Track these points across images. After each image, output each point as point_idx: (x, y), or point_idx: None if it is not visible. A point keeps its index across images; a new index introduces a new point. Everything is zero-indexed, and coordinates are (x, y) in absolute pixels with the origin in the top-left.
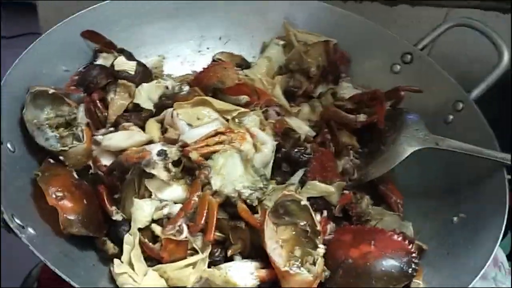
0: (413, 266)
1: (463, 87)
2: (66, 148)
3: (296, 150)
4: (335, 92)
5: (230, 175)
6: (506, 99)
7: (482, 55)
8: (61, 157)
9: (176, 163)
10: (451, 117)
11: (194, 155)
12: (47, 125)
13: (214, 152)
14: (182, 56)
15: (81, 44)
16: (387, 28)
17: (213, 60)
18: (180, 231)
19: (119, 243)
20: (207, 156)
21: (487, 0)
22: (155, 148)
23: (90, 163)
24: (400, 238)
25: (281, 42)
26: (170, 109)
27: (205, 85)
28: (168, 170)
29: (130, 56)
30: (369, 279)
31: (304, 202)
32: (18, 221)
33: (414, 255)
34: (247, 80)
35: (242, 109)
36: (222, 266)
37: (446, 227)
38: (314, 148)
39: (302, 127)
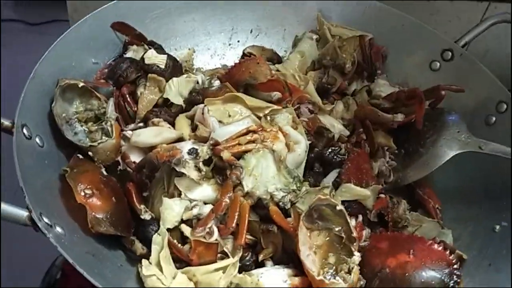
0: (454, 278)
1: (506, 87)
2: (95, 144)
3: (329, 150)
4: (370, 89)
5: (263, 176)
6: None
7: None
8: (90, 153)
9: (206, 162)
10: (493, 118)
11: (225, 155)
12: (76, 119)
13: (246, 151)
14: (212, 49)
15: (111, 35)
16: (426, 24)
17: (244, 54)
18: (210, 233)
19: (147, 243)
20: (239, 156)
21: None
22: (186, 146)
23: (119, 159)
24: (441, 248)
25: (315, 36)
26: (201, 105)
27: (237, 81)
28: (198, 169)
29: (160, 49)
30: None
31: (339, 207)
32: (46, 220)
33: (456, 266)
34: (280, 76)
35: (275, 106)
36: (254, 272)
37: (488, 236)
38: (348, 149)
39: (335, 126)
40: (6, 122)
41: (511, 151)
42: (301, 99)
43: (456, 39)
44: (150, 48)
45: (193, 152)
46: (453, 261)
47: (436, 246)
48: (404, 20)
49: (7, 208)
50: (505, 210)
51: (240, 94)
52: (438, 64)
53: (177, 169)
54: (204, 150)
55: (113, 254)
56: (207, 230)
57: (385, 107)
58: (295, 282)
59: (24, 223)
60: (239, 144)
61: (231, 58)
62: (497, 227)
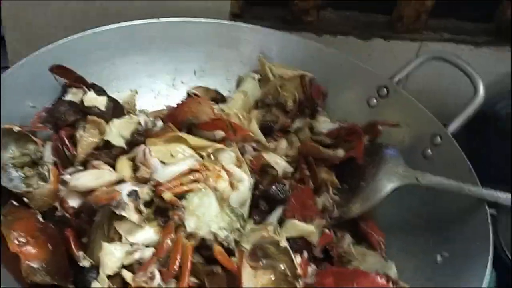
0: None
1: (440, 120)
2: (30, 189)
3: (274, 187)
4: (312, 126)
5: (205, 215)
6: (481, 132)
7: (457, 88)
8: (25, 199)
9: (148, 204)
10: (429, 151)
11: (167, 195)
12: (11, 165)
13: (188, 191)
14: (156, 91)
15: (50, 78)
16: (362, 62)
17: (188, 95)
18: (152, 278)
19: None
20: (181, 196)
21: (460, 34)
22: (125, 188)
23: (57, 204)
24: (384, 280)
25: (257, 76)
26: (142, 146)
27: (180, 121)
28: (139, 211)
29: (101, 91)
30: None
31: (283, 243)
32: None
33: None
34: (223, 115)
35: (218, 145)
36: None
37: (431, 267)
38: (292, 185)
39: (279, 163)
40: None
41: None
42: (245, 138)
43: (390, 76)
44: (89, 90)
45: (133, 194)
46: None
47: (379, 279)
48: (342, 59)
49: None
50: (445, 241)
51: (182, 134)
52: (375, 100)
53: (117, 212)
54: (144, 192)
55: None
56: (149, 274)
57: (326, 143)
58: None
59: None
60: (181, 184)
61: (176, 99)
62: (438, 257)
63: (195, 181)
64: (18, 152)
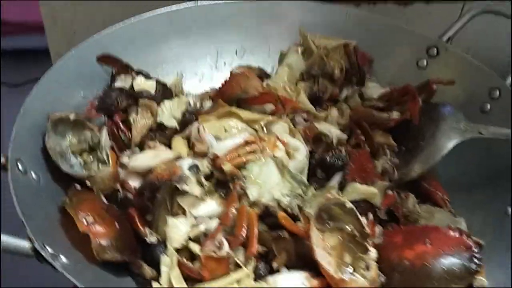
0: (475, 261)
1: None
2: (92, 173)
3: (330, 154)
4: (362, 93)
5: (267, 183)
6: None
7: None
8: (88, 183)
9: (207, 178)
10: (488, 105)
11: (227, 166)
12: (70, 152)
13: (247, 161)
14: (200, 73)
15: (97, 68)
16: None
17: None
18: (220, 247)
19: (155, 265)
20: (240, 167)
21: None
22: (186, 162)
23: (118, 186)
24: (457, 234)
25: (300, 49)
26: (196, 124)
27: (229, 97)
28: (201, 184)
29: (149, 77)
30: (429, 280)
31: (349, 204)
32: (50, 250)
33: (475, 250)
34: (271, 89)
35: (270, 117)
36: (270, 278)
37: (500, 220)
38: (349, 151)
39: (332, 131)
40: (1, 159)
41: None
42: (295, 109)
43: (439, 36)
44: (138, 76)
45: (193, 168)
46: (472, 245)
47: (451, 232)
48: (385, 24)
49: (8, 240)
50: None
51: (234, 109)
52: (425, 61)
53: (179, 186)
54: (204, 165)
55: (121, 281)
56: (216, 243)
57: (379, 107)
58: (314, 284)
59: (27, 253)
60: (239, 155)
61: (220, 80)
62: (509, 209)
63: (252, 152)
64: (75, 139)
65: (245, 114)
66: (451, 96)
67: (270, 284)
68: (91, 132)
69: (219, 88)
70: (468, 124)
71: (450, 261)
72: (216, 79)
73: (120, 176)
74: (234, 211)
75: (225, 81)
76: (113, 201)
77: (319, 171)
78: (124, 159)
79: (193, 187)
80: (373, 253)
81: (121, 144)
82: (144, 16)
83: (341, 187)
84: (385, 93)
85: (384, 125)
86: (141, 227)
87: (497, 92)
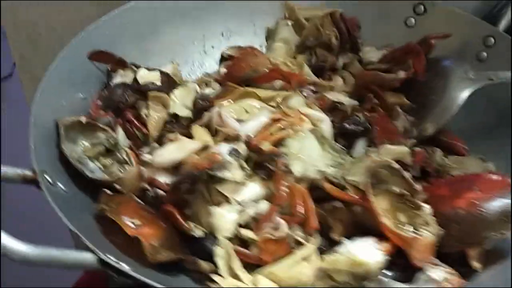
0: None
1: None
2: (121, 175)
3: (349, 122)
4: (360, 58)
5: (310, 156)
6: None
7: None
8: (117, 186)
9: (245, 161)
10: (484, 54)
11: (266, 146)
12: (86, 157)
13: (285, 137)
14: (190, 60)
15: (90, 67)
16: None
17: (223, 57)
18: (277, 228)
19: (208, 259)
20: (278, 145)
21: None
22: (224, 148)
23: (146, 185)
24: (500, 177)
25: (290, 22)
26: (215, 109)
27: (238, 78)
28: (243, 168)
29: (150, 68)
30: (488, 225)
31: (395, 165)
32: (113, 259)
33: None
34: (281, 65)
35: (286, 93)
36: (340, 250)
37: None
38: (367, 116)
39: (344, 99)
40: (28, 172)
41: None
42: (301, 82)
43: None
44: (140, 68)
45: (234, 152)
46: None
47: (493, 176)
48: None
49: (72, 253)
50: None
51: (250, 88)
52: (413, 19)
53: (220, 173)
54: (242, 147)
55: (178, 281)
56: (273, 225)
57: (382, 68)
58: (387, 247)
59: (93, 265)
60: (271, 134)
61: (211, 65)
62: None
63: (283, 128)
64: (88, 143)
65: (262, 92)
66: (445, 50)
67: (344, 255)
68: (105, 133)
69: (227, 70)
70: (477, 73)
71: (503, 202)
72: (208, 63)
73: (145, 174)
74: (285, 189)
75: (233, 62)
76: (143, 200)
77: (340, 139)
78: (146, 157)
79: (235, 172)
80: (427, 208)
81: (138, 142)
82: (127, 6)
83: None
84: (385, 55)
85: (391, 85)
86: (183, 223)
87: (492, 40)
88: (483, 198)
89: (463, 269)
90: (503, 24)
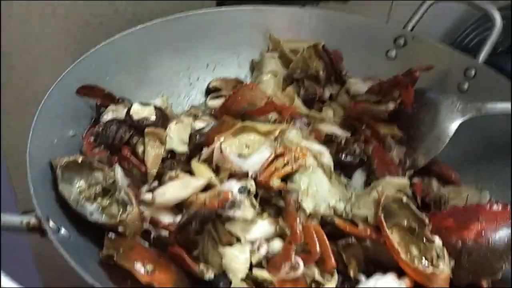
0: None
1: None
2: (124, 217)
3: (345, 154)
4: (347, 90)
5: (319, 192)
6: None
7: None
8: (120, 228)
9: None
10: (466, 85)
11: (276, 182)
12: (83, 199)
13: (292, 172)
14: (176, 92)
15: (78, 102)
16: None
17: (209, 89)
18: (295, 267)
19: None
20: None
21: None
22: (234, 185)
23: (148, 226)
24: (500, 206)
25: (276, 55)
26: (216, 145)
27: (235, 111)
28: (254, 206)
29: (143, 103)
30: (498, 254)
31: (405, 199)
32: None
33: None
34: (274, 98)
35: (284, 126)
36: (362, 285)
37: None
38: (361, 147)
39: (336, 131)
40: (32, 220)
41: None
42: (294, 115)
43: (404, 26)
44: (133, 103)
45: (244, 189)
46: None
47: (494, 206)
48: (348, 20)
49: None
50: None
51: (250, 123)
52: (394, 52)
53: (231, 212)
54: (252, 184)
55: None
56: (291, 265)
57: (372, 100)
58: (408, 282)
59: None
60: (276, 169)
61: (197, 97)
62: None
63: (286, 163)
64: (85, 184)
65: (262, 127)
66: (427, 82)
67: None
68: (102, 173)
69: (223, 103)
70: (465, 104)
71: (509, 233)
72: (193, 96)
73: (145, 215)
74: (300, 226)
75: (229, 96)
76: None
77: (337, 171)
78: (146, 196)
79: (246, 211)
80: (438, 240)
81: (136, 180)
82: (112, 39)
83: (368, 183)
84: (372, 87)
85: (380, 118)
86: (193, 265)
87: (472, 71)
88: (490, 228)
89: None
90: (482, 56)
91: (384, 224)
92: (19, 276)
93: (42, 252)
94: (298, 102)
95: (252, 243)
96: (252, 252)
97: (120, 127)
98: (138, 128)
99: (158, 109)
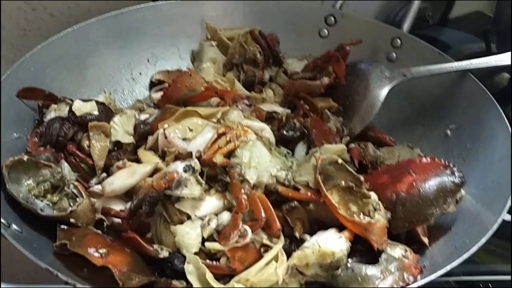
0: (458, 174)
1: None
2: (74, 208)
3: (286, 129)
4: (285, 70)
5: (261, 164)
6: None
7: None
8: (72, 220)
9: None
10: (394, 54)
11: (219, 159)
12: (33, 196)
13: (236, 148)
14: (120, 89)
15: (19, 105)
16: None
17: (152, 82)
18: (244, 235)
19: (180, 277)
20: (230, 156)
21: None
22: (179, 166)
23: (100, 215)
24: (428, 159)
25: (214, 43)
26: (160, 131)
27: (176, 98)
28: (200, 183)
29: (84, 99)
30: (429, 202)
31: (340, 160)
32: None
33: (451, 165)
34: (214, 83)
35: (224, 108)
36: (306, 244)
37: (445, 142)
38: (300, 121)
39: (277, 109)
40: None
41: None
42: (235, 98)
43: (332, 5)
44: (75, 100)
45: (189, 168)
46: (447, 163)
47: (424, 159)
48: (280, 5)
49: None
50: (445, 117)
51: (191, 108)
52: (326, 30)
53: (178, 191)
54: (196, 163)
55: None
56: (239, 233)
57: (308, 77)
58: (347, 235)
59: None
60: (219, 148)
61: (141, 91)
62: (448, 132)
63: (229, 141)
64: (33, 182)
65: (203, 110)
66: (359, 54)
67: (311, 248)
68: (48, 169)
69: (164, 92)
70: (392, 71)
71: (438, 181)
72: (138, 90)
73: (96, 205)
74: (245, 196)
75: (169, 84)
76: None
77: (280, 146)
78: (95, 187)
79: (193, 188)
80: (374, 195)
81: (84, 174)
82: (49, 41)
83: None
84: (307, 64)
85: (317, 92)
86: (147, 246)
87: (398, 41)
88: (420, 179)
89: (414, 246)
90: (406, 25)
91: (322, 184)
92: None
93: None
94: (238, 85)
95: (202, 218)
96: (203, 226)
97: (63, 124)
98: (81, 123)
99: (100, 104)
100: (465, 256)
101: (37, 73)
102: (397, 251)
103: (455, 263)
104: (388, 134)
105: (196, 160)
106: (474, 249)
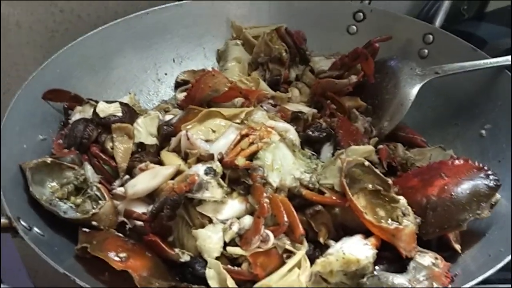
0: (492, 177)
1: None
2: (96, 211)
3: (312, 129)
4: (312, 68)
5: (284, 166)
6: None
7: None
8: (94, 222)
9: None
10: (426, 51)
11: (241, 161)
12: (57, 199)
13: (257, 150)
14: (146, 89)
15: (45, 107)
16: None
17: (177, 83)
18: (266, 240)
19: (201, 282)
20: (252, 159)
21: None
22: (200, 168)
23: (123, 219)
24: (462, 161)
25: (239, 42)
26: (182, 133)
27: (199, 99)
28: (221, 186)
29: (108, 101)
30: (462, 206)
31: (367, 162)
32: None
33: (485, 168)
34: (238, 83)
35: (248, 109)
36: (330, 251)
37: (479, 143)
38: (328, 122)
39: (303, 109)
40: (3, 220)
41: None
42: (260, 98)
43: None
44: (98, 102)
45: (210, 171)
46: (481, 166)
47: (457, 161)
48: (306, 2)
49: None
50: (481, 116)
51: (214, 109)
52: (355, 27)
53: (199, 194)
54: (218, 166)
55: None
56: (261, 237)
57: (335, 75)
58: (374, 241)
59: None
60: (242, 149)
61: (166, 92)
62: (483, 132)
63: (252, 143)
64: (57, 184)
65: (226, 111)
66: (389, 51)
67: (335, 255)
68: (72, 171)
69: (187, 93)
70: (424, 68)
71: (471, 184)
72: (163, 91)
73: (119, 208)
74: (267, 200)
75: (192, 85)
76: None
77: (306, 147)
78: (118, 190)
79: (214, 190)
80: (403, 199)
81: (108, 175)
82: (75, 42)
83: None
84: (335, 62)
85: (345, 90)
86: (169, 250)
87: (430, 37)
88: (452, 183)
89: (445, 253)
90: (438, 20)
91: (347, 187)
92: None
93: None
94: (263, 85)
95: (224, 222)
96: (224, 230)
97: (87, 125)
98: (105, 125)
99: (124, 105)
100: (500, 264)
101: (63, 75)
102: (427, 259)
103: (489, 272)
104: (419, 134)
105: (218, 163)
106: (509, 257)
